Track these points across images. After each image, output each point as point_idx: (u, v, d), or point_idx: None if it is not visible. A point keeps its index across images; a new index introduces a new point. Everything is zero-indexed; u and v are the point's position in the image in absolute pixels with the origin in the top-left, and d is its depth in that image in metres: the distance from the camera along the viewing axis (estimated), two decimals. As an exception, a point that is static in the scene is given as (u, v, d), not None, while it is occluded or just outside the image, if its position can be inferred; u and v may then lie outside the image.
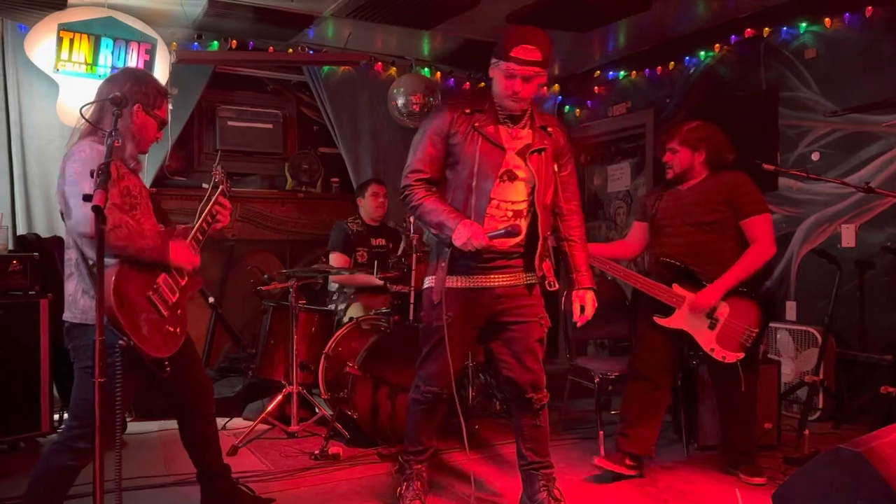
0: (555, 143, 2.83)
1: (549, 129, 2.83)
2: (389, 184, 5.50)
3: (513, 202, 2.76)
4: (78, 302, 2.40)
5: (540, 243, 2.77)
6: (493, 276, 2.78)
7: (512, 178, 2.75)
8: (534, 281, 2.82)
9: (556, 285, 2.84)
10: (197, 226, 2.65)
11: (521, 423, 2.91)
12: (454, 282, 2.78)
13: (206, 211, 2.69)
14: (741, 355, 3.31)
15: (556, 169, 2.83)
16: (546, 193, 2.80)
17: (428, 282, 2.89)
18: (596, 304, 2.89)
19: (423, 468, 3.04)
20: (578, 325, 2.88)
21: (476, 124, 2.76)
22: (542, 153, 2.78)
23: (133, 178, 2.54)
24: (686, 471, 3.49)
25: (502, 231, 2.67)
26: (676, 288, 3.36)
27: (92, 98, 2.50)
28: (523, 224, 2.77)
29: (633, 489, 3.24)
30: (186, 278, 2.59)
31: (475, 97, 2.87)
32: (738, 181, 3.39)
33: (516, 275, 2.80)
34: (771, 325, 4.53)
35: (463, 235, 2.63)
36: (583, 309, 2.86)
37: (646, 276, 3.43)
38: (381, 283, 4.43)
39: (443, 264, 2.79)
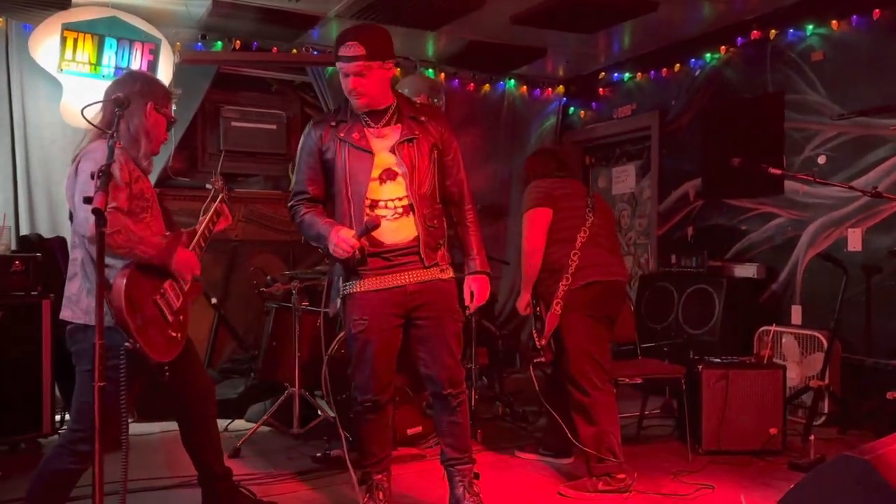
0: (429, 132, 2.84)
1: (422, 118, 2.84)
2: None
3: (399, 199, 2.78)
4: (81, 302, 2.40)
5: (422, 234, 2.76)
6: (400, 275, 2.77)
7: (392, 176, 2.78)
8: (444, 276, 2.84)
9: (449, 273, 2.86)
10: (199, 233, 2.67)
11: (440, 419, 2.92)
12: (367, 285, 2.77)
13: (206, 219, 2.70)
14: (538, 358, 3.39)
15: (434, 157, 2.84)
16: (422, 184, 2.79)
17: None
18: (487, 288, 2.91)
19: (384, 478, 2.94)
20: (470, 310, 2.93)
21: (341, 135, 2.81)
22: (413, 142, 2.80)
23: (145, 180, 2.56)
24: (691, 476, 3.46)
25: (362, 227, 2.68)
26: None
27: (98, 99, 2.50)
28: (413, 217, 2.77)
29: (638, 496, 3.21)
30: (190, 283, 2.60)
31: (338, 109, 2.93)
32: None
33: (424, 271, 2.79)
34: (776, 328, 4.51)
35: (332, 243, 2.69)
36: (473, 295, 2.91)
37: None
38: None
39: (332, 280, 2.90)
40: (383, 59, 2.73)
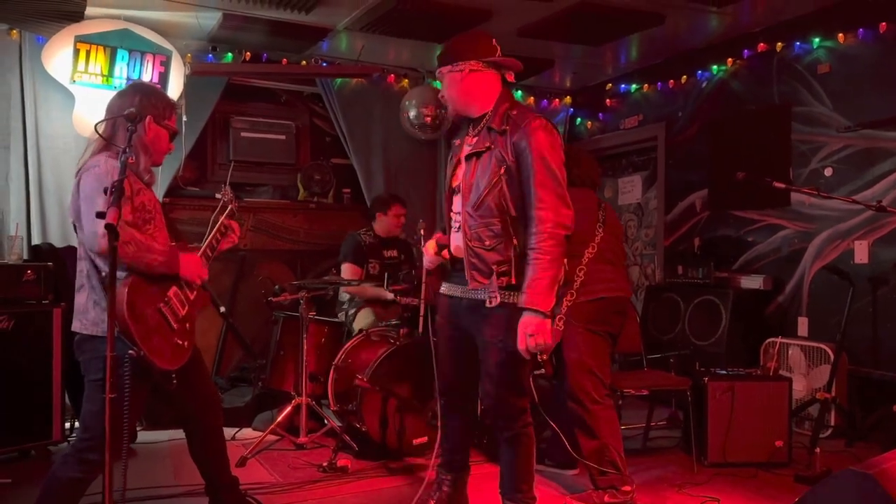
0: (504, 143, 2.58)
1: (504, 127, 2.60)
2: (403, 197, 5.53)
3: (457, 213, 2.72)
4: (89, 313, 2.43)
5: (465, 253, 2.64)
6: (459, 287, 2.72)
7: (460, 190, 2.71)
8: (492, 304, 2.58)
9: (495, 301, 2.57)
10: (206, 244, 2.69)
11: (488, 436, 2.88)
12: (443, 288, 2.85)
13: (214, 231, 2.72)
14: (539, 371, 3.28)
15: (503, 171, 2.57)
16: (476, 198, 2.61)
17: None
18: (537, 332, 2.46)
19: (445, 480, 2.94)
20: (525, 356, 2.53)
21: (453, 141, 2.86)
22: (480, 156, 2.64)
23: (147, 192, 2.58)
24: (696, 489, 3.46)
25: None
26: None
27: (104, 112, 2.54)
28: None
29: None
30: (196, 292, 2.62)
31: None
32: None
33: (474, 291, 2.64)
34: (782, 340, 4.50)
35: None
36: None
37: None
38: (391, 297, 4.47)
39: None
40: (451, 62, 2.64)
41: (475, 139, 2.69)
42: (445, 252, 2.79)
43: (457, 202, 2.73)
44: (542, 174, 2.52)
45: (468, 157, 2.68)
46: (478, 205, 2.61)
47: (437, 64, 2.72)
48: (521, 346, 2.49)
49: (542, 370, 3.23)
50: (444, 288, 2.83)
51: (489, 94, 2.67)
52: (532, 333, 2.47)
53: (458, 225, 2.71)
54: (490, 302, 2.58)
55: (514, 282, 2.56)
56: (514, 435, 2.67)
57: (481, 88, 2.66)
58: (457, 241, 2.71)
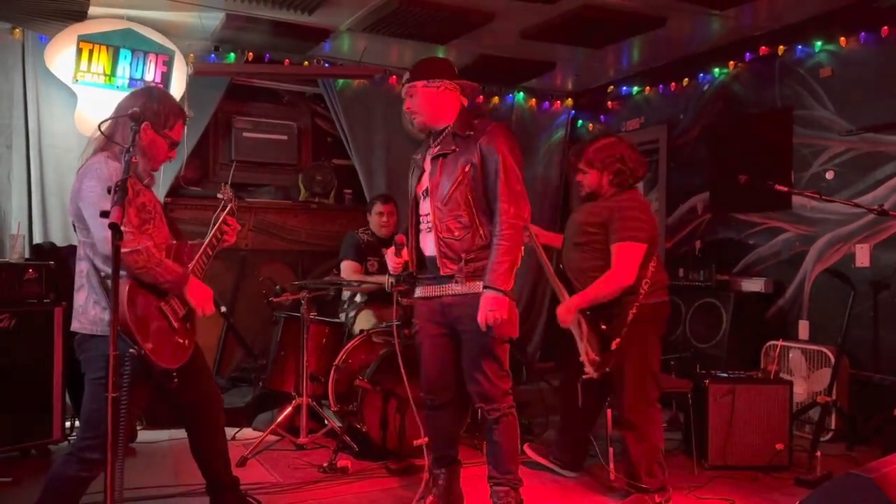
0: (468, 146, 2.86)
1: (469, 133, 2.89)
2: (401, 197, 5.52)
3: (427, 214, 2.96)
4: (89, 312, 2.43)
5: (436, 245, 2.88)
6: (438, 287, 2.93)
7: (429, 192, 2.95)
8: (477, 291, 2.79)
9: (466, 286, 2.83)
10: (206, 244, 2.70)
11: (484, 434, 3.04)
12: (419, 292, 3.03)
13: (214, 230, 2.73)
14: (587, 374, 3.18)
15: (468, 170, 2.83)
16: (444, 194, 2.86)
17: None
18: (495, 307, 2.71)
19: (440, 475, 3.08)
20: (482, 328, 2.75)
21: (415, 155, 3.09)
22: (446, 157, 2.91)
23: (147, 193, 2.59)
24: (697, 491, 3.45)
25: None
26: (566, 295, 3.26)
27: (110, 110, 2.55)
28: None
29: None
30: None
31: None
32: (621, 205, 3.24)
33: (459, 285, 2.87)
34: (783, 343, 4.50)
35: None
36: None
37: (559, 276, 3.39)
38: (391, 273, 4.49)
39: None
40: (428, 78, 2.90)
41: (438, 146, 2.95)
42: (405, 253, 3.00)
43: (425, 205, 2.97)
44: (507, 173, 2.82)
45: (434, 159, 2.94)
46: (446, 200, 2.87)
47: (410, 78, 2.94)
48: (480, 319, 2.74)
49: (594, 373, 3.11)
50: (419, 292, 3.01)
51: (453, 110, 2.97)
52: (492, 308, 2.73)
53: (429, 226, 2.94)
54: (461, 287, 2.86)
55: (482, 267, 2.82)
56: (500, 416, 2.89)
57: (450, 105, 2.96)
58: (429, 241, 2.94)
